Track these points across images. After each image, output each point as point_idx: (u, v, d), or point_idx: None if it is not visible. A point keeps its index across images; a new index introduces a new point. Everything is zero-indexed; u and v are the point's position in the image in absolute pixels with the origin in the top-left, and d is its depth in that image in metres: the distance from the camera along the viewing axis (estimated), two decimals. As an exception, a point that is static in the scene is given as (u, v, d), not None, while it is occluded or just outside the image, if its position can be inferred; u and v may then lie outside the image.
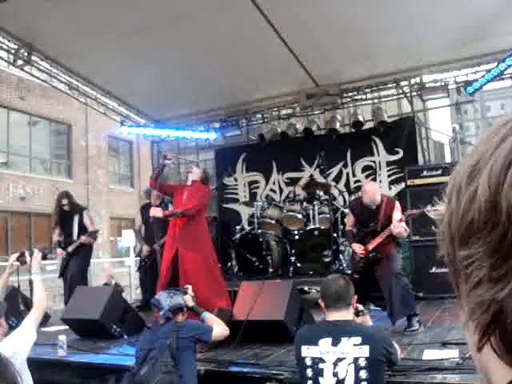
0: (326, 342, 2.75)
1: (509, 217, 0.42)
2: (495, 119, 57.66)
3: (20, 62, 7.31)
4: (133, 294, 10.74)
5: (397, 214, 4.79)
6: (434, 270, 6.65)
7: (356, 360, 2.66)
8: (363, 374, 2.63)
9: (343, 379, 2.63)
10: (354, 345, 2.70)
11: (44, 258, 3.36)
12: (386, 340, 2.87)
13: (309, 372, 2.73)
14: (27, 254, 3.24)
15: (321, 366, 2.71)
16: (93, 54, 7.08)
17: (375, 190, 4.97)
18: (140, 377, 3.03)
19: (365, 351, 2.67)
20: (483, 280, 0.44)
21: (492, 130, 0.48)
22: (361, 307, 3.31)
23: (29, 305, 3.89)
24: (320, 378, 2.68)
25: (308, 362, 2.75)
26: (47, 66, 7.65)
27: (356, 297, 3.04)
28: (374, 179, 8.32)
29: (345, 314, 2.86)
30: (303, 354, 2.78)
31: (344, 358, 2.68)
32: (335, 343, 2.73)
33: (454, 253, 0.48)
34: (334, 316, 2.86)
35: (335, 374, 2.66)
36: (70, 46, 6.97)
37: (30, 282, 3.11)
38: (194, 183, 5.31)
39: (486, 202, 0.44)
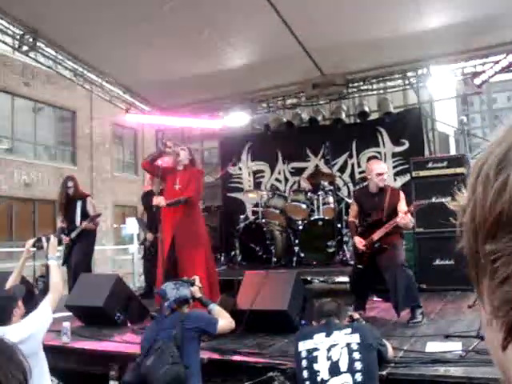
0: (320, 335, 2.90)
1: None
2: (502, 111, 57.43)
3: (25, 48, 7.27)
4: (136, 282, 10.76)
5: (402, 204, 4.78)
6: (437, 262, 6.64)
7: (348, 345, 2.80)
8: (356, 355, 2.76)
9: (337, 361, 2.74)
10: (346, 334, 2.86)
11: (59, 243, 3.43)
12: (376, 332, 3.09)
13: (304, 363, 2.84)
14: (44, 239, 3.29)
15: (315, 353, 2.83)
16: (98, 40, 7.04)
17: (380, 161, 5.15)
18: (146, 367, 3.04)
19: (355, 338, 2.82)
20: (511, 276, 0.42)
21: None
22: (356, 315, 3.40)
23: (32, 291, 3.94)
24: (314, 365, 2.78)
25: (303, 354, 2.89)
26: (52, 52, 7.61)
27: (349, 314, 3.25)
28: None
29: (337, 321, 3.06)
30: (300, 349, 2.92)
31: (337, 344, 2.82)
32: (328, 335, 2.88)
33: (477, 246, 0.46)
34: None
35: (329, 358, 2.78)
36: (76, 33, 6.93)
37: (47, 267, 3.18)
38: (185, 167, 5.33)
39: None
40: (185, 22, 6.67)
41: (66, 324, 4.37)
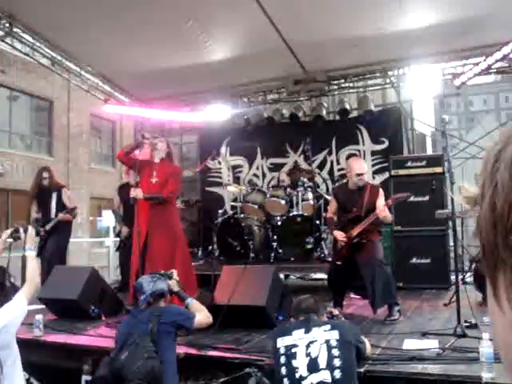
0: (298, 332, 2.88)
1: None
2: (477, 114, 58.30)
3: (0, 33, 7.08)
4: (111, 275, 10.62)
5: (381, 200, 4.79)
6: (414, 260, 6.70)
7: (327, 341, 2.78)
8: (335, 351, 2.74)
9: (316, 357, 2.73)
10: (325, 331, 2.84)
11: (37, 234, 3.36)
12: (355, 329, 3.09)
13: (282, 359, 2.82)
14: (21, 230, 3.21)
15: (293, 350, 2.81)
16: (78, 28, 6.88)
17: (360, 160, 5.21)
18: (120, 362, 2.97)
19: (334, 335, 2.81)
20: None
21: None
22: (335, 311, 3.38)
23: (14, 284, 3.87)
24: (293, 361, 2.77)
25: (282, 350, 2.86)
26: (30, 39, 7.42)
27: (328, 310, 3.30)
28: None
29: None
30: (278, 345, 2.90)
31: (316, 341, 2.80)
32: (307, 332, 2.86)
33: (496, 239, 0.42)
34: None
35: (308, 355, 2.76)
36: (55, 19, 6.76)
37: (24, 258, 3.12)
38: (162, 160, 5.25)
39: None
40: (167, 13, 6.56)
41: (39, 317, 4.28)
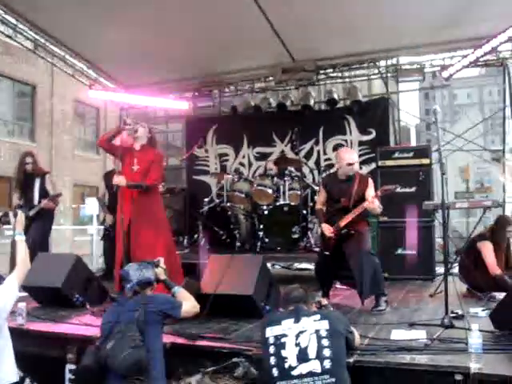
0: (288, 322, 2.86)
1: None
2: (461, 107, 58.82)
3: (-19, 14, 6.90)
4: (94, 263, 10.52)
5: (371, 190, 4.77)
6: (399, 251, 6.72)
7: (317, 331, 2.76)
8: (325, 342, 2.72)
9: (306, 347, 2.71)
10: (314, 320, 2.82)
11: (26, 218, 3.34)
12: (344, 319, 3.05)
13: (271, 349, 2.80)
14: (11, 214, 3.15)
15: (283, 340, 2.78)
16: (63, 11, 6.72)
17: (350, 150, 5.04)
18: (106, 351, 2.91)
19: (324, 324, 2.79)
20: None
21: None
22: (324, 301, 3.37)
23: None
24: (282, 351, 2.75)
25: (271, 340, 2.83)
26: (12, 21, 7.24)
27: (317, 300, 3.29)
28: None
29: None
30: (267, 335, 2.86)
31: (305, 331, 2.78)
32: (296, 321, 2.84)
33: None
34: None
35: (297, 344, 2.74)
36: (39, 1, 6.59)
37: (13, 243, 3.11)
38: (142, 147, 5.15)
39: None
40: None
41: (22, 305, 4.18)
